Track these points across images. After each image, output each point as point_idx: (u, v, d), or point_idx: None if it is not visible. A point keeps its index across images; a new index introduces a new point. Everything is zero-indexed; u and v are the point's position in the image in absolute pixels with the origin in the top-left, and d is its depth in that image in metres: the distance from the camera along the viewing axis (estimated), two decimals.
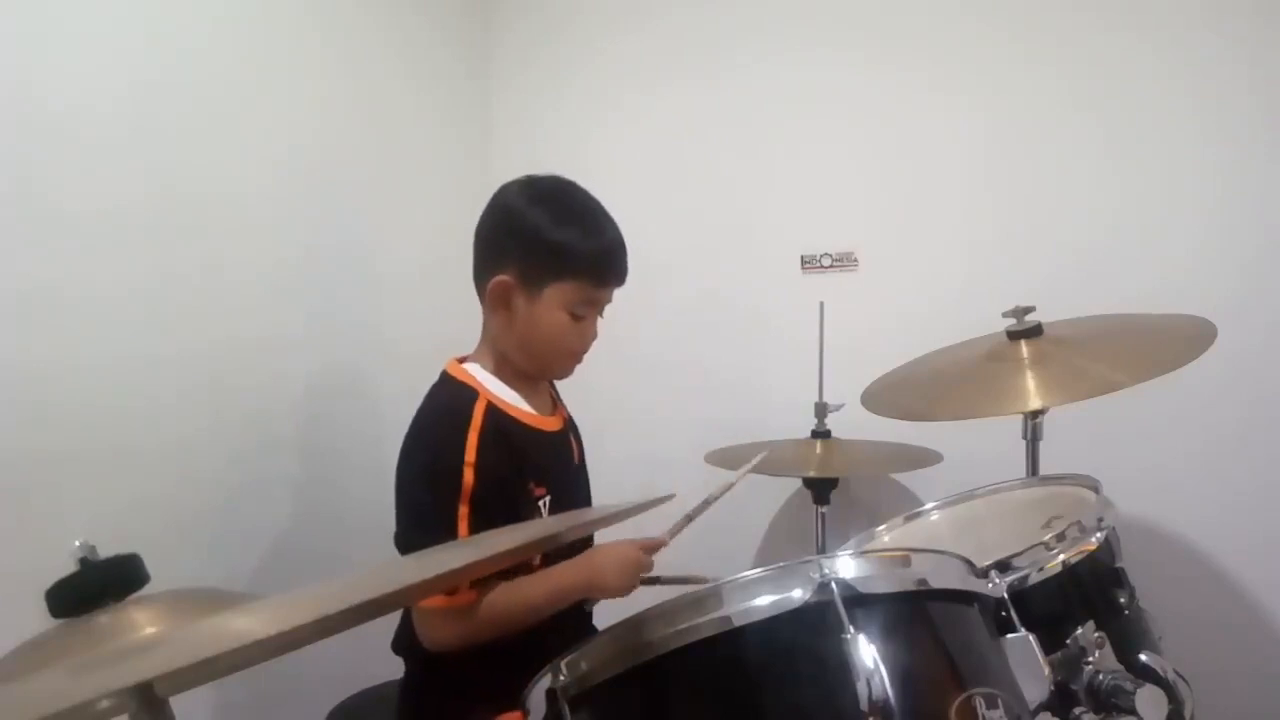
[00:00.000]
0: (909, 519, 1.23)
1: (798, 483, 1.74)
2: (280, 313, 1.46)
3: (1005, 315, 1.33)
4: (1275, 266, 1.53)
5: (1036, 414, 1.36)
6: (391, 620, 1.12)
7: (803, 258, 1.82)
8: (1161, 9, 1.58)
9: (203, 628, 0.62)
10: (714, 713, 0.72)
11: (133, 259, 1.21)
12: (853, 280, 1.79)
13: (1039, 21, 1.65)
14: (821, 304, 1.63)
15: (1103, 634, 0.85)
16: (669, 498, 0.90)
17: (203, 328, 1.31)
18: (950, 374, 1.39)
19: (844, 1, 1.79)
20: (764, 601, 0.70)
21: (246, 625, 0.56)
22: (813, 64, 1.81)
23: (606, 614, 0.98)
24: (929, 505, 1.24)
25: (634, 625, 0.72)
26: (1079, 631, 0.85)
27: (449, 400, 1.09)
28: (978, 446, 1.43)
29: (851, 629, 0.68)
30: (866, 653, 0.67)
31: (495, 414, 1.07)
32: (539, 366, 1.16)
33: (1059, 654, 0.84)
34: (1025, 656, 0.78)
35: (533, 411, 1.13)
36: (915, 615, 0.75)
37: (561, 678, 0.74)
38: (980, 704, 0.70)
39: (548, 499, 1.10)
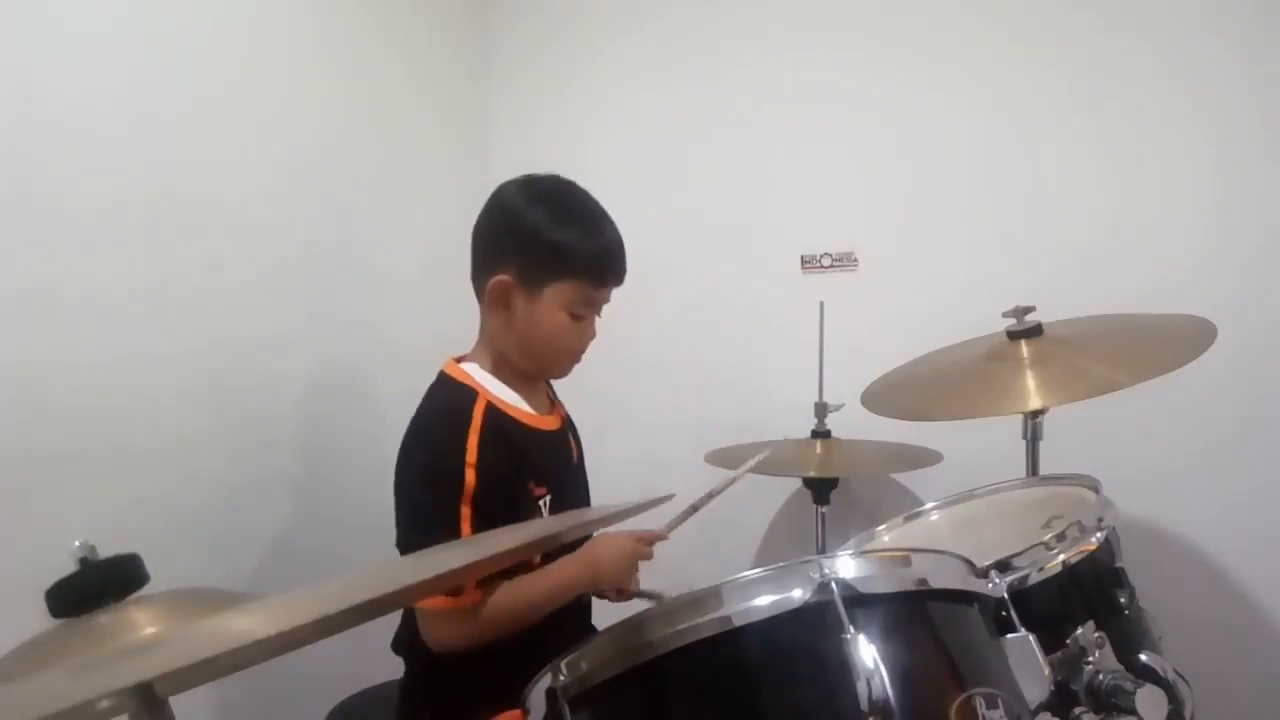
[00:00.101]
0: (909, 519, 1.23)
1: (798, 483, 1.74)
2: (280, 312, 1.46)
3: (1005, 315, 1.33)
4: (1275, 266, 1.53)
5: (1036, 414, 1.36)
6: (391, 620, 1.12)
7: (803, 258, 1.82)
8: (1161, 9, 1.58)
9: (203, 628, 0.62)
10: (714, 713, 0.72)
11: (133, 259, 1.21)
12: (853, 280, 1.79)
13: (1039, 21, 1.66)
14: (821, 304, 1.63)
15: (1103, 634, 0.85)
16: (669, 498, 0.90)
17: (203, 327, 1.31)
18: (950, 374, 1.39)
19: (844, 1, 1.79)
20: (764, 601, 0.70)
21: (246, 625, 0.56)
22: (813, 64, 1.81)
23: (607, 614, 0.98)
24: (929, 505, 1.24)
25: (634, 625, 0.72)
26: (1079, 631, 0.84)
27: (448, 400, 1.09)
28: (978, 446, 1.43)
29: (851, 629, 0.68)
30: (866, 653, 0.67)
31: (495, 414, 1.07)
32: (538, 366, 1.16)
33: (1059, 654, 0.84)
34: (1025, 656, 0.78)
35: (531, 411, 1.13)
36: (915, 615, 0.75)
37: (561, 677, 0.74)
38: (980, 704, 0.70)
39: (548, 498, 1.10)
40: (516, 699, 0.80)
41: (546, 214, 1.09)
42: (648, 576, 1.19)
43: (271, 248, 1.44)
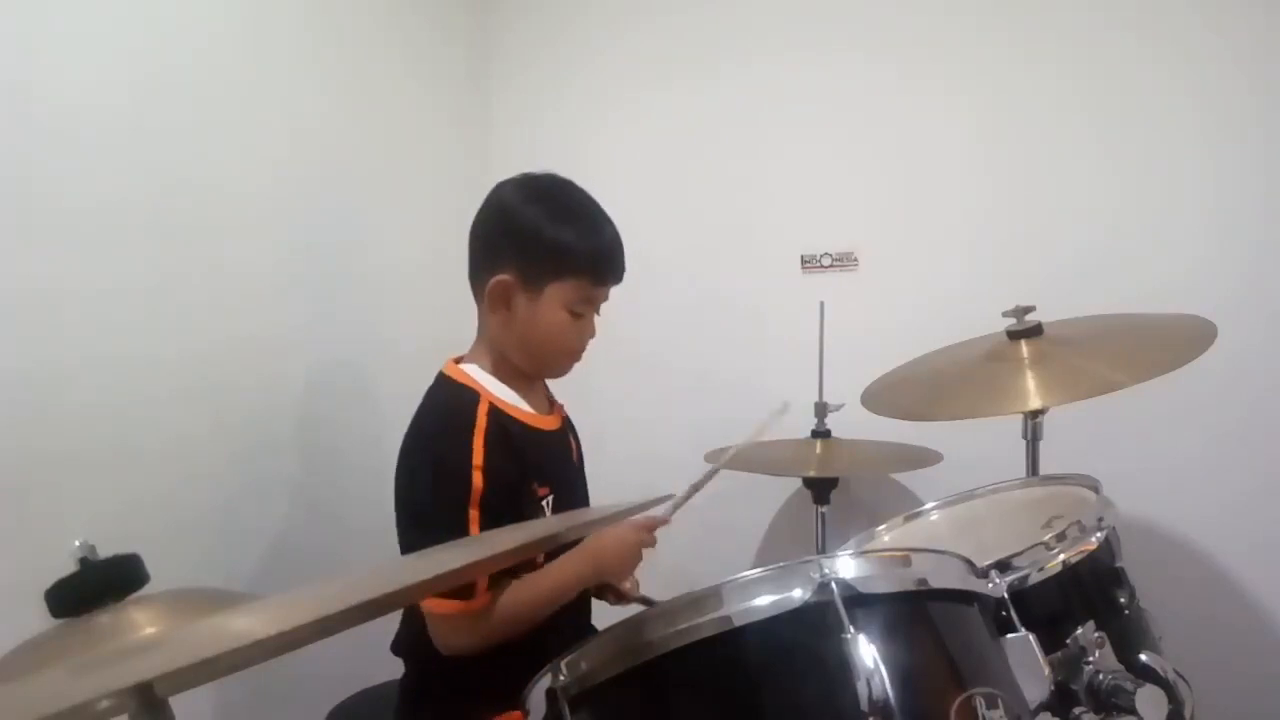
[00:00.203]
0: (909, 519, 1.23)
1: (798, 483, 1.74)
2: (280, 312, 1.46)
3: (1005, 315, 1.33)
4: (1275, 266, 1.53)
5: (1036, 414, 1.36)
6: (391, 621, 1.12)
7: (803, 257, 1.82)
8: (1161, 9, 1.58)
9: (203, 628, 0.62)
10: (714, 713, 0.72)
11: (133, 258, 1.21)
12: (853, 280, 1.79)
13: (1039, 21, 1.66)
14: (821, 304, 1.63)
15: (1103, 634, 0.85)
16: (668, 497, 0.90)
17: (203, 327, 1.31)
18: (950, 374, 1.39)
19: (844, 2, 1.79)
20: (764, 601, 0.70)
21: (246, 625, 0.56)
22: (813, 64, 1.81)
23: (607, 614, 0.98)
24: (929, 505, 1.24)
25: (634, 625, 0.73)
26: (1079, 631, 0.85)
27: (450, 402, 1.08)
28: (978, 446, 1.43)
29: (851, 629, 0.68)
30: (866, 653, 0.67)
31: (498, 415, 1.07)
32: (538, 366, 1.16)
33: (1059, 654, 0.84)
34: (1025, 656, 0.78)
35: (532, 411, 1.13)
36: (915, 615, 0.75)
37: (561, 677, 0.74)
38: (980, 704, 0.70)
39: (550, 498, 1.09)
40: (516, 700, 0.80)
41: (545, 213, 1.09)
42: (647, 580, 1.19)
43: (271, 247, 1.44)
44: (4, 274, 1.06)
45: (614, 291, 1.15)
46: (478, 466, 1.01)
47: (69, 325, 1.13)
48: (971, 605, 0.79)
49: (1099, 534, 0.95)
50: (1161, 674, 0.88)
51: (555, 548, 1.07)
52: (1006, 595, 0.82)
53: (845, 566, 0.72)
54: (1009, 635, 0.80)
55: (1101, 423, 1.48)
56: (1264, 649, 1.54)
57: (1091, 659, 0.83)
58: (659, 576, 1.22)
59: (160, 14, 1.26)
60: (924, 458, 1.51)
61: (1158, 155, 1.59)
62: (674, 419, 1.89)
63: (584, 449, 1.27)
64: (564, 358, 1.15)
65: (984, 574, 0.82)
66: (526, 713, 0.79)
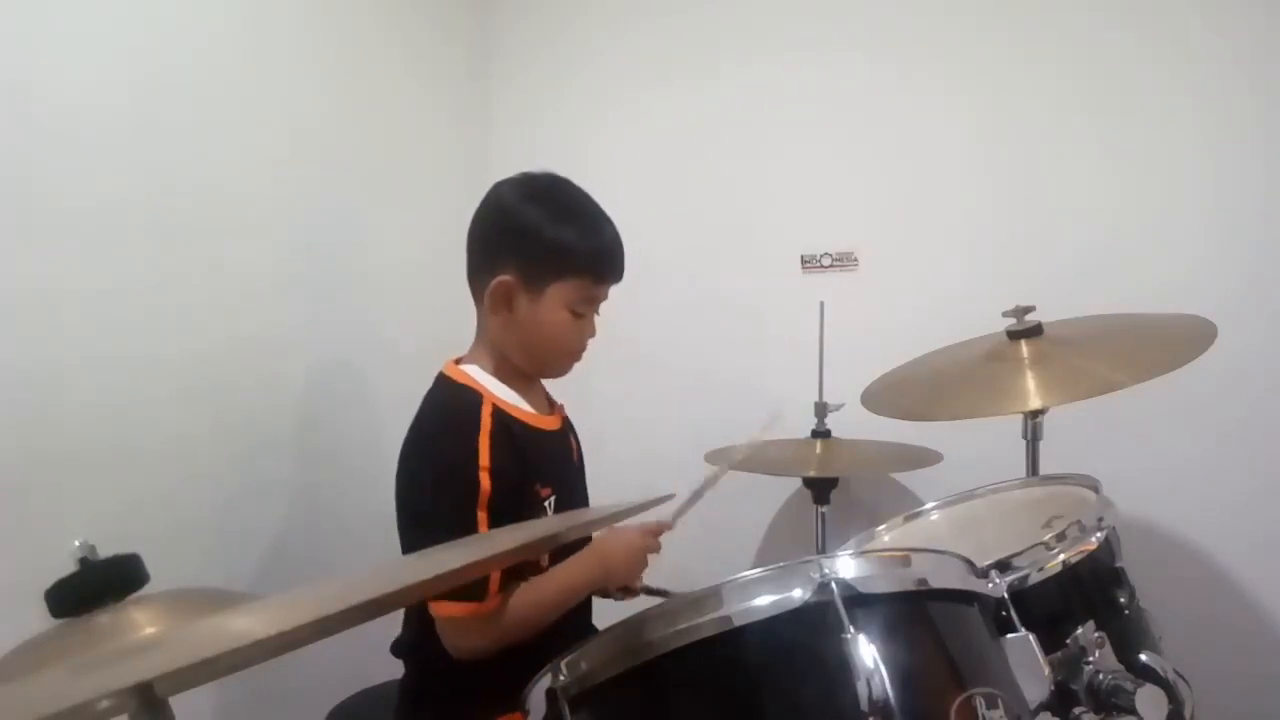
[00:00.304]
0: (909, 519, 1.23)
1: (798, 482, 1.74)
2: (281, 312, 1.46)
3: (1005, 315, 1.33)
4: (1275, 266, 1.53)
5: (1036, 414, 1.36)
6: (391, 621, 1.12)
7: (803, 257, 1.82)
8: (1162, 9, 1.58)
9: (203, 628, 0.62)
10: (714, 713, 0.72)
11: (132, 258, 1.21)
12: (853, 280, 1.79)
13: (1039, 21, 1.66)
14: (821, 304, 1.63)
15: (1103, 634, 0.85)
16: (669, 497, 0.90)
17: (203, 327, 1.31)
18: (950, 374, 1.39)
19: (844, 2, 1.79)
20: (764, 601, 0.70)
21: (246, 625, 0.56)
22: (813, 64, 1.81)
23: (607, 614, 0.98)
24: (929, 505, 1.24)
25: (634, 625, 0.72)
26: (1079, 631, 0.85)
27: (453, 403, 1.08)
28: (978, 446, 1.43)
29: (851, 629, 0.68)
30: (866, 653, 0.67)
31: (501, 416, 1.06)
32: (539, 366, 1.15)
33: (1059, 654, 0.84)
34: (1025, 656, 0.78)
35: (534, 412, 1.13)
36: (915, 615, 0.75)
37: (561, 677, 0.74)
38: (980, 704, 0.70)
39: (552, 499, 1.09)
40: (517, 700, 0.80)
41: (546, 212, 1.08)
42: (651, 575, 1.19)
43: (271, 247, 1.44)
44: (4, 274, 1.06)
45: (614, 291, 1.15)
46: (484, 468, 1.01)
47: (69, 325, 1.13)
48: (971, 605, 0.79)
49: (1099, 534, 0.95)
50: (1161, 674, 0.88)
51: (557, 548, 1.07)
52: (1006, 595, 0.82)
53: (845, 566, 0.72)
54: (1009, 635, 0.80)
55: (1101, 423, 1.48)
56: (1264, 649, 1.54)
57: (1091, 659, 0.84)
58: (660, 577, 1.22)
59: (160, 14, 1.26)
60: (924, 458, 1.51)
61: (1158, 155, 1.59)
62: (674, 419, 1.89)
63: (584, 449, 1.27)
64: (566, 358, 1.15)
65: (984, 574, 0.82)
66: (526, 713, 0.79)
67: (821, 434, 1.59)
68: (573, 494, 1.19)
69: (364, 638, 0.76)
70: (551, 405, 1.22)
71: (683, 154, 1.91)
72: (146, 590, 0.89)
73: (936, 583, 0.76)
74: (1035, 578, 0.89)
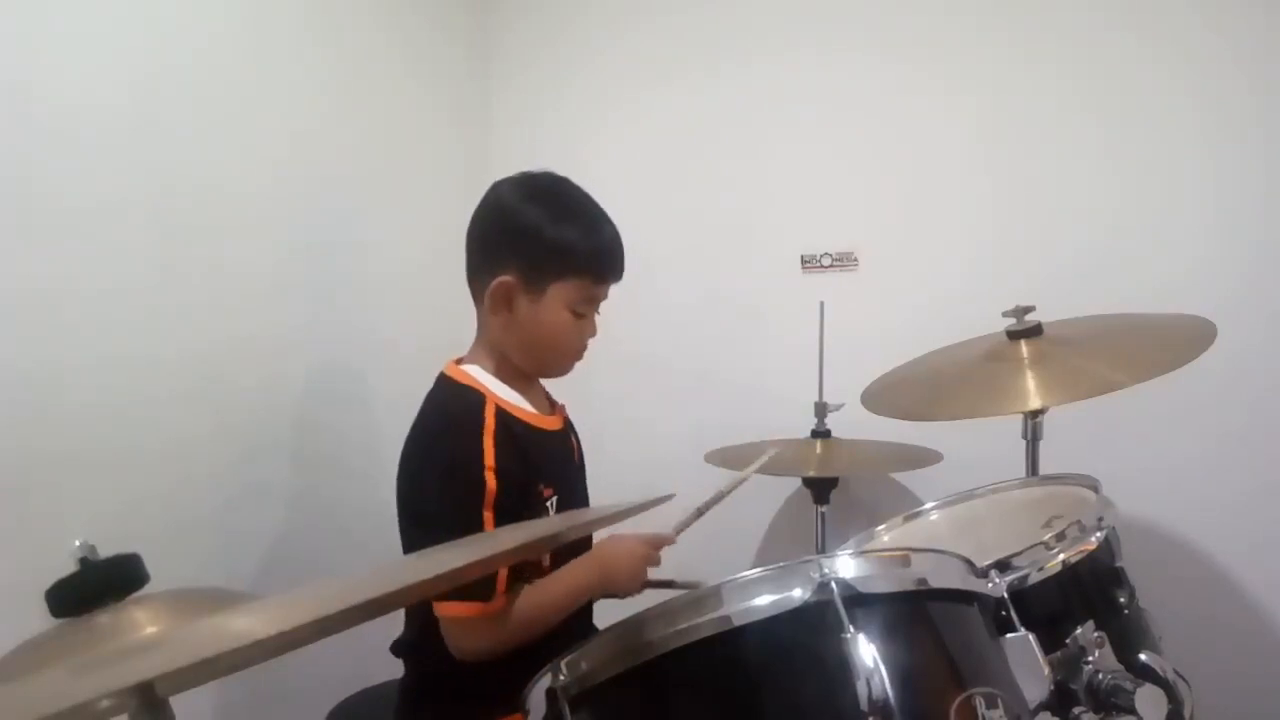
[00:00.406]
0: (909, 519, 1.23)
1: (797, 482, 1.74)
2: (281, 312, 1.46)
3: (1005, 315, 1.33)
4: (1275, 266, 1.53)
5: (1036, 414, 1.36)
6: (390, 621, 1.12)
7: (803, 257, 1.82)
8: (1162, 9, 1.58)
9: (203, 627, 0.62)
10: (714, 712, 0.72)
11: (132, 258, 1.21)
12: (853, 280, 1.79)
13: (1039, 21, 1.66)
14: (821, 304, 1.63)
15: (1102, 633, 0.85)
16: (669, 497, 0.90)
17: (203, 327, 1.31)
18: (950, 374, 1.39)
19: (844, 2, 1.79)
20: (764, 601, 0.70)
21: (247, 625, 0.56)
22: (813, 64, 1.81)
23: (607, 614, 0.98)
24: (929, 505, 1.24)
25: (634, 625, 0.73)
26: (1079, 631, 0.85)
27: (455, 403, 1.07)
28: (977, 446, 1.43)
29: (851, 628, 0.68)
30: (866, 652, 0.67)
31: (504, 416, 1.06)
32: (540, 366, 1.15)
33: (1059, 653, 0.84)
34: (1025, 656, 0.78)
35: (535, 412, 1.13)
36: (915, 615, 0.75)
37: (561, 677, 0.74)
38: (980, 703, 0.71)
39: (554, 499, 1.09)
40: (516, 700, 0.80)
41: (546, 212, 1.08)
42: (651, 574, 1.19)
43: (271, 247, 1.44)
44: (4, 274, 1.06)
45: (614, 291, 1.15)
46: (490, 468, 1.00)
47: (69, 325, 1.13)
48: (971, 605, 0.79)
49: (1098, 534, 0.95)
50: (1161, 674, 0.88)
51: (558, 548, 1.07)
52: (1006, 595, 0.82)
53: (845, 566, 0.72)
54: (1009, 635, 0.80)
55: (1101, 423, 1.48)
56: (1263, 649, 1.54)
57: (1091, 659, 0.84)
58: (661, 577, 1.22)
59: (160, 14, 1.26)
60: (924, 458, 1.51)
61: (1158, 155, 1.59)
62: (674, 419, 1.89)
63: (584, 449, 1.27)
64: (567, 358, 1.15)
65: (984, 574, 0.82)
66: (526, 712, 0.79)
67: (821, 434, 1.59)
68: (574, 494, 1.19)
69: (364, 638, 0.76)
70: (552, 405, 1.22)
71: (683, 154, 1.91)
72: (147, 590, 0.90)
73: (936, 582, 0.76)
74: (1035, 577, 0.89)
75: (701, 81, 1.89)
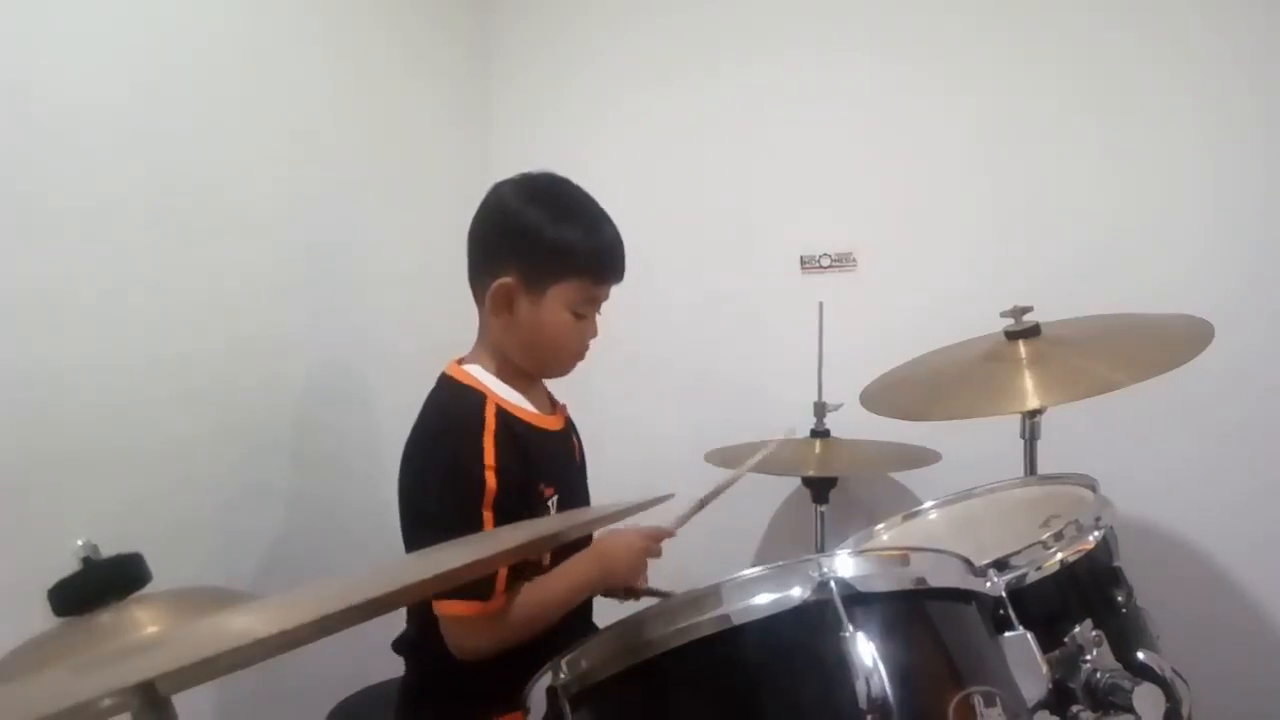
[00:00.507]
0: (907, 518, 1.23)
1: (797, 482, 1.74)
2: (281, 313, 1.46)
3: (1003, 315, 1.34)
4: (1274, 266, 1.53)
5: (1034, 414, 1.36)
6: (391, 620, 1.12)
7: (802, 258, 1.83)
8: (1162, 9, 1.58)
9: (204, 627, 0.63)
10: (713, 711, 0.73)
11: (133, 259, 1.21)
12: (852, 281, 1.79)
13: (1039, 21, 1.66)
14: (820, 304, 1.63)
15: (1100, 632, 0.85)
16: (668, 497, 0.90)
17: (204, 327, 1.31)
18: (949, 374, 1.39)
19: (844, 2, 1.79)
20: (763, 600, 0.70)
21: (248, 624, 0.56)
22: (813, 64, 1.81)
23: (607, 613, 0.98)
24: (927, 504, 1.24)
25: (634, 623, 0.73)
26: (1077, 630, 0.85)
27: (456, 403, 1.08)
28: (976, 446, 1.44)
29: (850, 627, 0.68)
30: (865, 651, 0.68)
31: (504, 416, 1.06)
32: (541, 367, 1.16)
33: (1057, 652, 0.84)
34: (1023, 655, 0.79)
35: (536, 412, 1.13)
36: (914, 614, 0.76)
37: (562, 676, 0.74)
38: (978, 702, 0.71)
39: (555, 499, 1.09)
40: (517, 699, 0.80)
41: (546, 213, 1.08)
42: (652, 573, 1.19)
43: (272, 248, 1.44)
44: (4, 274, 1.06)
45: (614, 291, 1.15)
46: (490, 467, 1.01)
47: (69, 325, 1.13)
48: (970, 604, 0.79)
49: (1096, 533, 0.95)
50: (1159, 672, 0.88)
51: (558, 547, 1.07)
52: (1004, 594, 0.82)
53: (844, 565, 0.72)
54: (1007, 634, 0.80)
55: (1099, 423, 1.48)
56: (1261, 648, 1.55)
57: (1089, 657, 0.84)
58: (661, 576, 1.22)
59: (160, 14, 1.26)
60: (922, 457, 1.52)
61: (1158, 155, 1.59)
62: (674, 419, 1.90)
63: (584, 449, 1.27)
64: (568, 358, 1.15)
65: (982, 573, 0.82)
66: (527, 711, 0.80)
67: (820, 434, 1.59)
68: (575, 494, 1.19)
69: (365, 637, 0.76)
70: (554, 405, 1.22)
71: (682, 154, 1.91)
72: (148, 589, 0.90)
73: (935, 581, 0.76)
74: (1033, 576, 0.89)
75: (701, 81, 1.89)
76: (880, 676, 0.67)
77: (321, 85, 1.56)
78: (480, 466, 1.00)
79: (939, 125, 1.72)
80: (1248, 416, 1.54)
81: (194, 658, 0.49)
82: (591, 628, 1.16)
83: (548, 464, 1.10)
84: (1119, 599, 0.95)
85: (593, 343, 1.16)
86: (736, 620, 0.70)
